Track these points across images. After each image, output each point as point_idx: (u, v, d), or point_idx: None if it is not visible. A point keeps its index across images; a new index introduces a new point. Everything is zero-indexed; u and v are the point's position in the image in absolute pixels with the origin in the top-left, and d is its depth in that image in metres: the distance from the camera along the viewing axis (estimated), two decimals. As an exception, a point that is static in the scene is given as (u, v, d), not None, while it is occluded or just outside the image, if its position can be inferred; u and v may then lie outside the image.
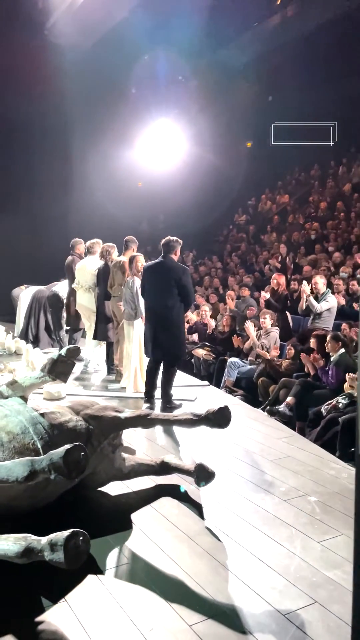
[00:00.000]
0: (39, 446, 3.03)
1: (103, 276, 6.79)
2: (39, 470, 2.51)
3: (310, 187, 15.40)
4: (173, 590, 2.66)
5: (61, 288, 8.70)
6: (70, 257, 8.05)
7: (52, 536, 2.36)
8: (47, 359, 3.54)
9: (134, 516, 3.36)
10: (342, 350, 5.58)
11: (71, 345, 3.57)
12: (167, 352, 5.56)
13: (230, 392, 6.87)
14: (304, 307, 6.95)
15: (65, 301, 8.40)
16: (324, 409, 5.21)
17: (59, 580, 2.65)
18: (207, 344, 8.19)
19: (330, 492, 3.71)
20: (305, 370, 6.06)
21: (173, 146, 14.91)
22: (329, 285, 7.59)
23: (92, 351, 7.48)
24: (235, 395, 6.66)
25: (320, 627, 2.43)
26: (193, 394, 6.15)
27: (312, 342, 5.96)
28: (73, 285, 7.59)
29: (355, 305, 7.62)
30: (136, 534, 3.16)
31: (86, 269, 7.24)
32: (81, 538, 2.34)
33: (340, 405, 5.08)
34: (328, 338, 5.72)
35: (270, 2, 14.41)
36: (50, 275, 9.63)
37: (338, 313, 7.09)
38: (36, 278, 9.62)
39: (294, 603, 2.58)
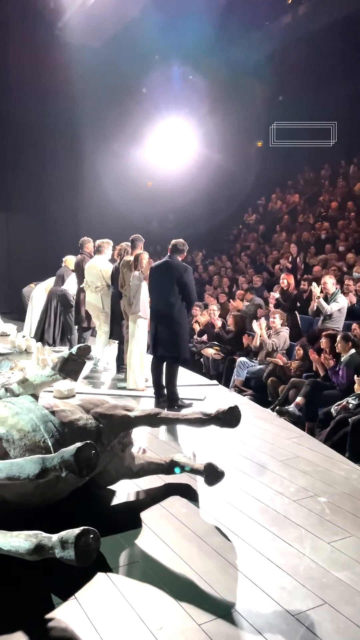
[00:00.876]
0: (50, 444, 3.04)
1: (116, 276, 6.81)
2: (50, 468, 2.53)
3: (320, 187, 15.33)
4: (182, 589, 2.66)
5: (69, 286, 8.74)
6: (79, 256, 8.08)
7: (62, 534, 2.37)
8: (57, 357, 3.56)
9: (144, 515, 3.36)
10: (353, 350, 5.56)
11: (82, 344, 3.59)
12: (169, 350, 5.58)
13: (240, 391, 6.87)
14: (314, 308, 6.93)
15: (74, 300, 8.43)
16: (333, 409, 5.20)
17: (69, 577, 2.66)
18: (216, 343, 8.19)
19: (340, 493, 3.70)
20: (315, 370, 6.05)
21: (183, 145, 14.92)
22: (339, 285, 7.56)
23: (102, 350, 7.51)
24: (244, 395, 6.65)
25: (329, 628, 2.42)
26: (202, 393, 6.15)
27: (323, 343, 5.94)
28: (82, 285, 7.61)
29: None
30: (145, 533, 3.16)
31: (94, 268, 7.27)
32: (92, 536, 2.35)
33: (351, 405, 5.07)
34: (338, 338, 5.70)
35: (281, 1, 14.37)
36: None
37: (348, 313, 7.06)
38: (46, 277, 9.66)
39: (304, 603, 2.57)
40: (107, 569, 2.80)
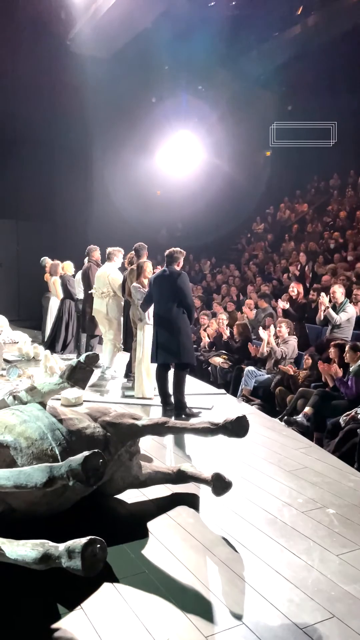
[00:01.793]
0: (57, 452, 3.04)
1: (124, 284, 6.85)
2: (58, 477, 2.52)
3: (329, 196, 15.33)
4: (189, 601, 2.64)
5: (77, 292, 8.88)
6: (87, 264, 8.14)
7: (69, 543, 2.36)
8: (65, 365, 3.56)
9: (150, 524, 3.35)
10: (362, 360, 5.52)
11: (90, 352, 3.59)
12: (170, 356, 5.60)
13: (247, 401, 6.84)
14: (322, 317, 6.90)
15: (81, 307, 8.49)
16: (342, 419, 5.16)
17: (75, 587, 2.65)
18: (224, 352, 8.17)
19: (349, 505, 3.66)
20: (323, 380, 6.01)
21: (192, 155, 14.99)
22: (348, 294, 7.53)
23: (109, 358, 7.52)
24: (252, 404, 6.62)
25: (338, 642, 2.39)
26: (210, 402, 6.13)
27: (331, 352, 5.91)
28: (91, 291, 7.66)
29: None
30: (152, 543, 3.14)
31: (103, 275, 7.32)
32: (98, 546, 2.34)
33: (359, 416, 5.02)
34: (347, 348, 5.67)
35: (290, 12, 14.45)
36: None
37: (357, 323, 7.03)
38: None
39: (312, 617, 2.54)
40: (113, 579, 2.79)
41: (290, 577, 2.83)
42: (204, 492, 3.66)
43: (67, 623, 2.47)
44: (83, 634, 2.41)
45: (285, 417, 5.98)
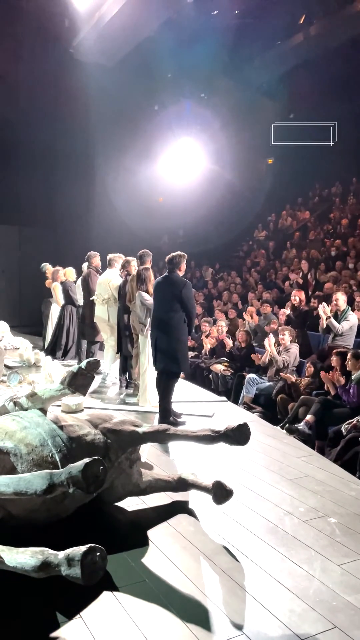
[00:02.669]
0: (57, 459, 3.03)
1: (123, 290, 6.84)
2: (58, 484, 2.50)
3: (331, 204, 15.37)
4: (189, 610, 2.61)
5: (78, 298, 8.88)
6: (86, 270, 8.16)
7: (69, 551, 2.34)
8: (66, 371, 3.55)
9: (151, 533, 3.32)
10: (363, 368, 5.50)
11: (91, 359, 3.58)
12: (166, 363, 5.55)
13: (249, 408, 6.82)
14: (324, 326, 6.88)
15: (80, 313, 8.49)
16: (344, 428, 5.13)
17: (74, 595, 2.62)
18: (225, 359, 8.15)
19: (350, 514, 3.63)
20: (325, 388, 5.99)
21: (194, 162, 15.04)
22: (350, 302, 7.52)
23: (110, 364, 7.51)
24: (253, 412, 6.60)
25: (340, 653, 2.36)
26: (211, 409, 6.11)
27: (333, 360, 5.89)
28: (92, 298, 7.67)
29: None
30: (152, 551, 3.12)
31: (105, 282, 7.33)
32: (98, 554, 2.32)
33: (361, 424, 5.00)
34: (349, 356, 5.65)
35: (293, 21, 14.54)
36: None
37: (359, 330, 7.01)
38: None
39: (313, 627, 2.52)
40: (112, 587, 2.76)
41: (292, 587, 2.81)
42: (205, 501, 3.63)
43: (66, 632, 2.45)
44: (82, 643, 2.38)
45: (287, 425, 5.95)
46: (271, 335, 7.29)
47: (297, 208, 16.26)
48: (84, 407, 5.87)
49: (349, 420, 5.15)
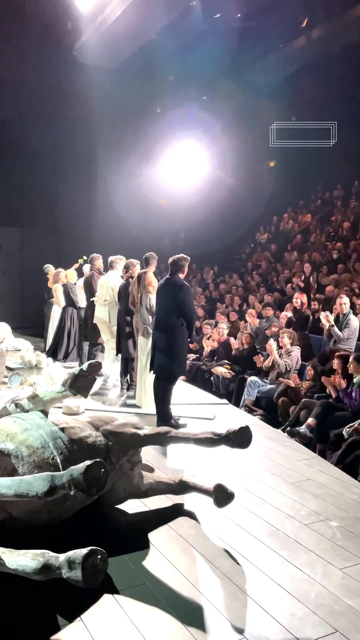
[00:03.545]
0: (58, 461, 3.02)
1: (124, 292, 6.83)
2: (59, 486, 2.50)
3: (333, 207, 15.36)
4: (190, 613, 2.61)
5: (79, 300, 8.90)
6: (89, 272, 8.16)
7: (70, 553, 2.34)
8: (68, 373, 3.55)
9: (151, 535, 3.31)
10: (365, 371, 5.49)
11: (92, 361, 3.58)
12: (162, 366, 5.54)
13: (250, 411, 6.80)
14: (329, 334, 6.85)
15: (83, 315, 8.49)
16: (345, 431, 5.12)
17: (75, 598, 2.62)
18: (226, 361, 8.14)
19: (352, 518, 3.62)
20: (327, 391, 5.98)
21: (196, 165, 15.04)
22: (352, 305, 7.50)
23: (111, 366, 7.51)
24: (254, 415, 6.59)
25: (341, 658, 2.35)
26: (212, 412, 6.10)
27: (335, 364, 5.88)
28: (93, 299, 7.67)
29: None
30: (153, 554, 3.11)
31: (105, 283, 7.34)
32: (99, 556, 2.32)
33: (363, 428, 4.99)
34: (350, 359, 5.64)
35: (295, 24, 14.56)
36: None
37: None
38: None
39: (314, 631, 2.51)
40: (113, 590, 2.76)
41: (293, 591, 2.80)
42: (206, 503, 3.63)
43: (66, 635, 2.44)
44: (82, 646, 2.37)
45: (288, 428, 5.94)
46: (271, 340, 7.28)
47: (299, 211, 16.26)
48: (85, 409, 5.86)
49: (351, 424, 5.14)
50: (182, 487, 3.67)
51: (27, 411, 3.37)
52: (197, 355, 9.17)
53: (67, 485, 2.48)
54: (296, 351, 7.06)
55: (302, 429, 5.69)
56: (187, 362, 7.68)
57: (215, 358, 8.57)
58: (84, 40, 13.47)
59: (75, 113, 13.80)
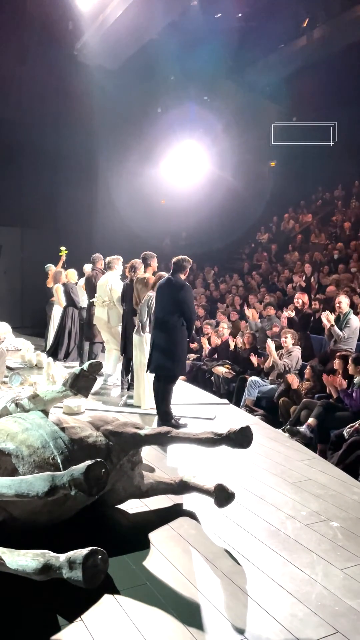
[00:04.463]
0: (59, 461, 3.02)
1: (129, 293, 6.82)
2: (60, 486, 2.49)
3: (333, 207, 15.36)
4: (191, 614, 2.60)
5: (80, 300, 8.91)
6: (91, 272, 8.17)
7: (70, 554, 2.33)
8: (68, 373, 3.55)
9: (152, 535, 3.31)
10: (366, 372, 5.49)
11: (93, 360, 3.57)
12: (161, 366, 5.53)
13: (250, 411, 6.80)
14: (329, 333, 6.85)
15: (84, 315, 8.49)
16: (346, 431, 5.12)
17: (75, 598, 2.61)
18: (227, 361, 8.14)
19: (353, 518, 3.62)
20: (327, 391, 5.97)
21: (197, 164, 15.04)
22: (352, 305, 7.49)
23: (112, 366, 7.50)
24: (255, 415, 6.58)
25: (342, 659, 2.35)
26: (212, 412, 6.09)
27: (336, 364, 5.88)
28: (92, 300, 7.67)
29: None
30: (154, 554, 3.11)
31: (104, 284, 7.34)
32: (100, 557, 2.31)
33: (363, 428, 4.98)
34: (350, 361, 5.63)
35: (296, 24, 14.55)
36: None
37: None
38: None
39: (315, 632, 2.50)
40: (114, 590, 2.75)
41: (294, 591, 2.79)
42: (207, 503, 3.62)
43: (67, 635, 2.44)
44: (83, 646, 2.37)
45: (289, 428, 5.93)
46: (269, 340, 7.27)
47: (300, 211, 16.25)
48: (86, 409, 5.86)
49: (351, 424, 5.13)
50: (182, 487, 3.67)
51: (28, 411, 3.37)
52: (198, 355, 9.16)
53: (68, 485, 2.48)
54: (297, 351, 7.05)
55: (303, 429, 5.69)
56: (188, 362, 7.70)
57: (214, 355, 8.57)
58: (85, 40, 13.46)
59: (76, 113, 13.80)
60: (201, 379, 8.40)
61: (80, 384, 3.42)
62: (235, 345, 8.32)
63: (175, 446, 4.76)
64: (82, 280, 8.83)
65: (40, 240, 14.36)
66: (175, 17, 12.90)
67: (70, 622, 2.51)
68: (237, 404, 7.12)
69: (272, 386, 6.93)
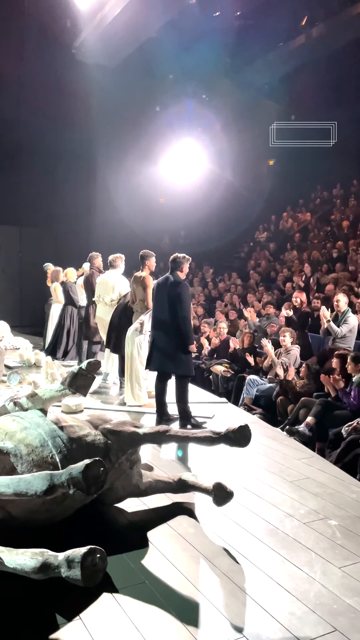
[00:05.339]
0: (58, 460, 3.02)
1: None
2: (58, 485, 2.49)
3: (332, 206, 15.36)
4: (189, 612, 2.60)
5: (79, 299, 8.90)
6: (89, 271, 8.15)
7: (69, 552, 2.33)
8: (67, 372, 3.54)
9: (151, 534, 3.31)
10: (364, 370, 5.48)
11: (92, 359, 3.57)
12: (161, 364, 5.54)
13: (249, 410, 6.80)
14: (325, 329, 6.87)
15: (83, 314, 8.48)
16: (344, 430, 5.11)
17: (73, 597, 2.62)
18: (225, 360, 8.14)
19: (351, 517, 3.62)
20: (326, 390, 5.98)
21: (196, 163, 15.04)
22: (350, 304, 7.50)
23: (111, 365, 7.49)
24: (253, 414, 6.59)
25: (340, 657, 2.35)
26: (211, 411, 6.10)
27: (334, 362, 5.88)
28: (94, 299, 7.65)
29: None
30: (152, 553, 3.11)
31: (107, 282, 7.30)
32: (98, 555, 2.31)
33: (362, 427, 4.98)
34: (348, 359, 5.63)
35: (295, 23, 14.54)
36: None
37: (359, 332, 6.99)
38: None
39: (314, 630, 2.51)
40: (112, 589, 2.75)
41: (292, 590, 2.80)
42: (205, 502, 3.63)
43: (65, 634, 2.44)
44: (81, 645, 2.37)
45: (287, 426, 5.94)
46: (263, 339, 7.27)
47: (298, 210, 16.25)
48: (84, 408, 5.86)
49: (349, 423, 5.13)
50: (181, 485, 3.67)
51: (26, 410, 3.37)
52: (197, 354, 9.16)
53: (66, 484, 2.48)
54: (295, 350, 7.06)
55: (301, 427, 5.69)
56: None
57: (214, 357, 8.57)
58: (83, 39, 13.45)
59: (75, 111, 13.79)
60: (200, 377, 8.40)
61: (79, 383, 3.42)
62: (234, 347, 8.31)
63: (174, 445, 4.78)
64: (81, 279, 8.82)
65: (39, 239, 14.36)
66: (174, 15, 12.88)
67: (69, 621, 2.51)
68: (236, 402, 7.12)
69: (271, 385, 6.93)
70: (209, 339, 9.02)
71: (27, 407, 3.38)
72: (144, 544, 3.20)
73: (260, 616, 2.60)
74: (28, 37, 13.39)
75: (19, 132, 13.20)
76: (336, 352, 6.02)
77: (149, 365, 5.70)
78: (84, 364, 3.47)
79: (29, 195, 13.83)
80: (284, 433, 5.72)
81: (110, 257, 7.50)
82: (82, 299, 8.81)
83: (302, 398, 6.11)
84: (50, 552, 2.40)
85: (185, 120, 15.19)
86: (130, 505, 3.60)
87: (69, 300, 9.23)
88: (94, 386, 6.88)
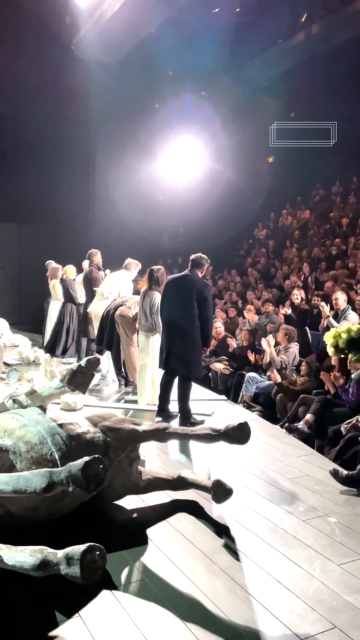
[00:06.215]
0: (57, 457, 3.01)
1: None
2: (57, 482, 2.49)
3: (331, 203, 15.36)
4: (189, 610, 2.60)
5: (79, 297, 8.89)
6: (88, 268, 8.15)
7: (68, 550, 2.33)
8: (66, 369, 3.54)
9: (150, 531, 3.31)
10: (363, 368, 5.48)
11: (91, 357, 3.57)
12: (181, 366, 5.51)
13: (248, 407, 6.80)
14: (325, 326, 6.87)
15: (82, 312, 8.48)
16: (343, 427, 5.10)
17: (73, 595, 2.61)
18: (225, 357, 8.13)
19: (350, 514, 3.62)
20: (325, 387, 5.97)
21: (195, 160, 15.03)
22: (350, 301, 7.50)
23: (109, 362, 7.49)
24: (252, 411, 6.59)
25: (340, 654, 2.35)
26: (210, 408, 6.10)
27: (333, 359, 5.87)
28: (95, 289, 7.63)
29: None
30: (152, 550, 3.11)
31: (113, 280, 7.32)
32: (98, 552, 2.31)
33: (361, 424, 4.98)
34: (349, 356, 5.63)
35: (294, 20, 14.52)
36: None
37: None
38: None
39: (313, 627, 2.51)
40: (112, 586, 2.75)
41: (292, 587, 2.80)
42: (204, 500, 3.63)
43: (64, 631, 2.43)
44: (81, 642, 2.37)
45: (287, 424, 5.94)
46: (270, 335, 7.26)
47: (298, 207, 16.25)
48: (84, 405, 5.86)
49: (349, 420, 5.13)
50: (180, 483, 3.67)
51: (25, 407, 3.37)
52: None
53: (66, 482, 2.47)
54: (294, 347, 7.05)
55: (301, 425, 5.69)
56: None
57: (214, 354, 8.55)
58: (82, 35, 13.41)
59: (74, 108, 13.77)
60: (197, 376, 8.37)
61: (78, 380, 3.42)
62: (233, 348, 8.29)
63: (174, 442, 4.78)
64: (80, 276, 8.81)
65: (38, 236, 14.34)
66: (173, 11, 12.86)
67: (68, 618, 2.51)
68: (235, 400, 7.12)
69: (270, 382, 6.93)
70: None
71: (26, 404, 3.38)
72: (143, 541, 3.20)
73: (259, 614, 2.59)
74: (27, 34, 13.35)
75: (18, 128, 13.19)
76: (336, 350, 6.01)
77: (165, 366, 5.62)
78: (83, 362, 3.46)
79: (27, 192, 13.81)
80: (283, 430, 5.72)
81: (127, 261, 7.42)
82: (81, 296, 8.80)
83: (301, 395, 6.11)
84: (50, 550, 2.40)
85: (184, 117, 15.17)
86: (130, 502, 3.60)
87: (68, 298, 9.22)
88: (93, 383, 6.87)
